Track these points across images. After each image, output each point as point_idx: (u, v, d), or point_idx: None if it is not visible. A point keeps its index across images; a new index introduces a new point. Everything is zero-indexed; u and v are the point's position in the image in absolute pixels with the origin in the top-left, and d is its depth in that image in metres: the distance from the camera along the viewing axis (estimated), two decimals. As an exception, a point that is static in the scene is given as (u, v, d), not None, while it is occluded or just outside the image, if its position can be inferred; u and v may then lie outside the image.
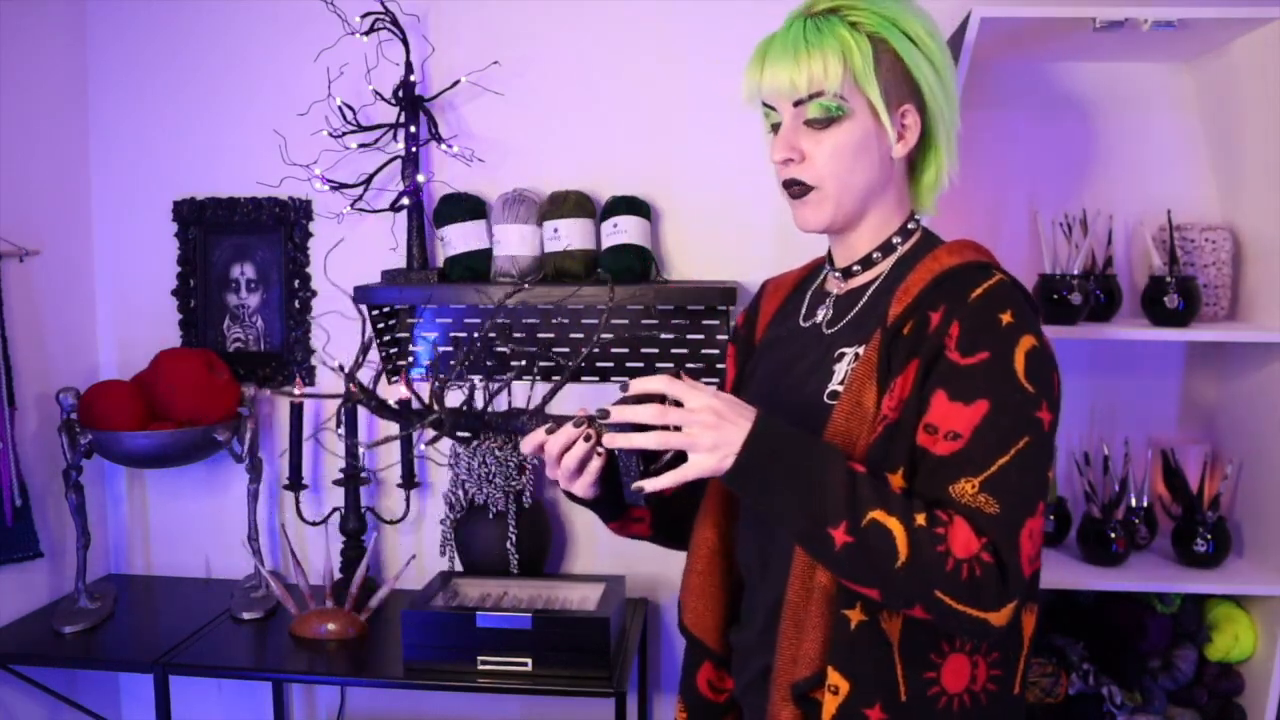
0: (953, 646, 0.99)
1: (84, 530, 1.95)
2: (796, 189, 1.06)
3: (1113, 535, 1.74)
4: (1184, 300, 1.69)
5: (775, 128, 1.07)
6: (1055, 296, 1.72)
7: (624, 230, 1.91)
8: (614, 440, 0.95)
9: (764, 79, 1.05)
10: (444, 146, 2.02)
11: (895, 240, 1.10)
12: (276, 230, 2.13)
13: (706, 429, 0.91)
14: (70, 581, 2.02)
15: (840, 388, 1.04)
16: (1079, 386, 1.96)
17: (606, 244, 1.93)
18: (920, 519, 0.91)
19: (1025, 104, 1.93)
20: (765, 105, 1.07)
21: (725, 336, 1.98)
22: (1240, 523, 1.81)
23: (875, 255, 1.11)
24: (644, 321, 2.01)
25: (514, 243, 1.94)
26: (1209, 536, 1.72)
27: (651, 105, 2.00)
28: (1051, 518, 1.85)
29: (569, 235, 1.91)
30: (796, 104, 1.03)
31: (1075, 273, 1.74)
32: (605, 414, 0.95)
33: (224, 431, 1.97)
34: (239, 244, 2.15)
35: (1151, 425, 1.95)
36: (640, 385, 0.95)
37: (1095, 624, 1.85)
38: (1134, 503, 1.84)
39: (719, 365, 1.99)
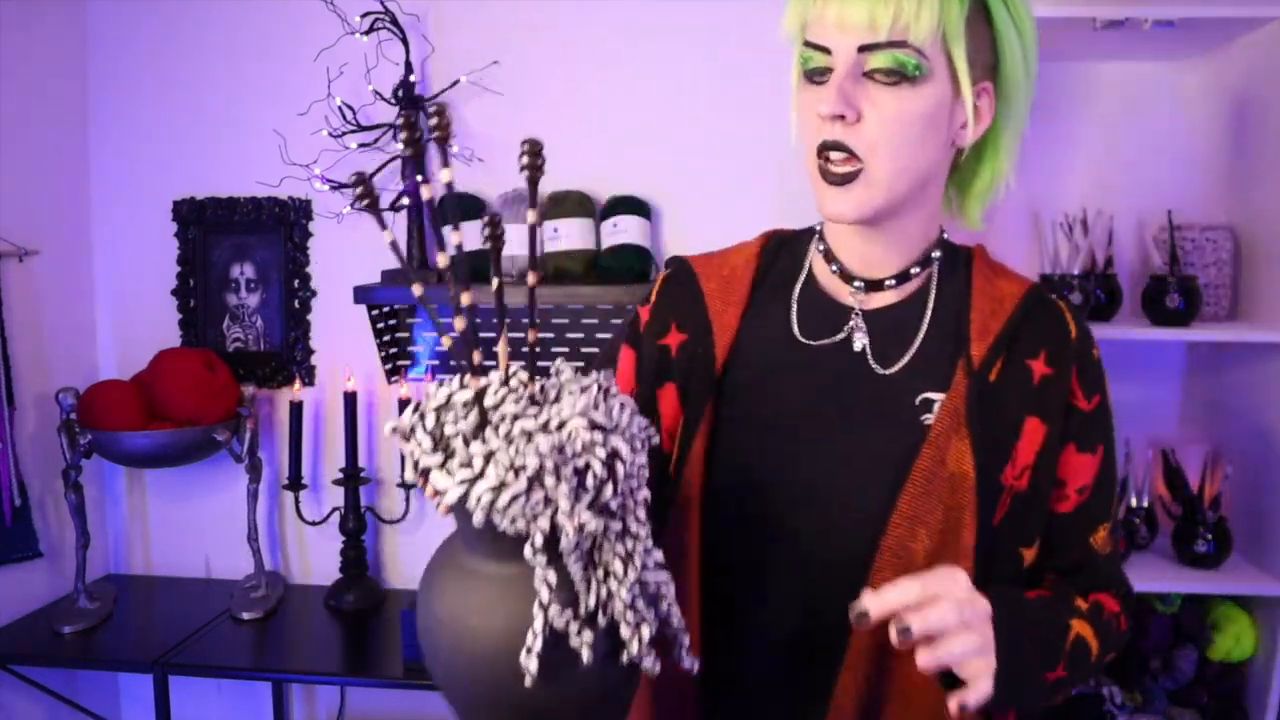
0: None
1: (83, 530, 1.94)
2: (839, 160, 0.82)
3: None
4: (1184, 300, 1.69)
5: (813, 75, 0.84)
6: (1055, 296, 1.72)
7: (624, 230, 1.91)
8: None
9: (830, 8, 0.80)
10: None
11: (935, 254, 0.92)
12: (276, 230, 2.13)
13: (963, 633, 0.75)
14: (70, 581, 2.02)
15: None
16: (1079, 386, 1.96)
17: (606, 244, 1.93)
18: (1084, 604, 0.89)
19: (1025, 104, 1.93)
20: (811, 45, 0.83)
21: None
22: (1240, 523, 1.81)
23: (914, 270, 0.91)
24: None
25: (514, 243, 1.93)
26: (1209, 536, 1.72)
27: (651, 105, 2.00)
28: (1052, 518, 1.85)
29: (569, 235, 1.91)
30: (864, 49, 0.80)
31: (1075, 273, 1.74)
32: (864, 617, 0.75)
33: (224, 431, 1.97)
34: (239, 244, 2.15)
35: (1151, 425, 1.95)
36: (885, 602, 0.75)
37: (1095, 624, 1.85)
38: (1134, 503, 1.84)
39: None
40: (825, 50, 0.82)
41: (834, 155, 0.82)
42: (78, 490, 1.92)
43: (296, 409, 2.03)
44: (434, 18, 2.03)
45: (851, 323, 0.91)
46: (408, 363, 2.10)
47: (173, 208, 2.16)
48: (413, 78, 1.98)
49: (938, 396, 0.86)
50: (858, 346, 0.90)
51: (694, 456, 0.90)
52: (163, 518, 2.23)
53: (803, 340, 0.91)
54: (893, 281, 0.91)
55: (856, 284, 0.92)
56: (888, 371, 0.89)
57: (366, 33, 1.98)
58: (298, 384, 2.08)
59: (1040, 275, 1.76)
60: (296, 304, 2.13)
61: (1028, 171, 1.94)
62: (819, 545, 0.87)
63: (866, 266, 0.91)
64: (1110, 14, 1.58)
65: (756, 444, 0.90)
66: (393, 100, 2.00)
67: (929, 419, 0.86)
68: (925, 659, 0.75)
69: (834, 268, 0.93)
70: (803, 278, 0.95)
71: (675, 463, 0.92)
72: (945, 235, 0.94)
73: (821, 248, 0.95)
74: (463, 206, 1.98)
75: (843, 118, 0.80)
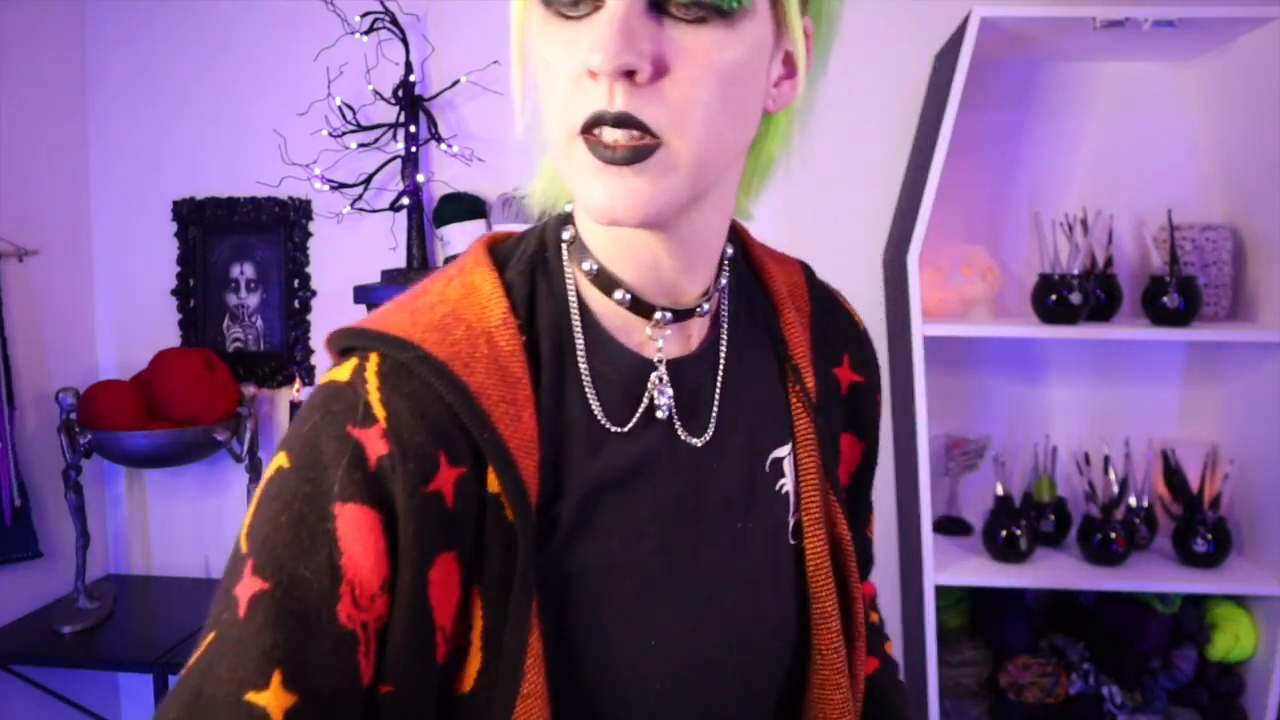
0: None
1: (83, 530, 1.94)
2: (627, 137, 0.52)
3: (1113, 535, 1.74)
4: (1184, 300, 1.69)
5: (561, 6, 0.53)
6: (1055, 296, 1.72)
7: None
8: None
9: None
10: (444, 146, 2.02)
11: (729, 250, 0.67)
12: (276, 230, 2.13)
13: None
14: (69, 581, 2.02)
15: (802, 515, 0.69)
16: (1079, 387, 1.96)
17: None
18: (876, 616, 0.85)
19: (1025, 104, 1.93)
20: None
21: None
22: (1240, 523, 1.81)
23: (723, 283, 0.67)
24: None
25: (514, 243, 1.93)
26: (1209, 536, 1.72)
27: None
28: (1051, 517, 1.85)
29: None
30: None
31: (1075, 273, 1.74)
32: None
33: (223, 431, 1.97)
34: (239, 244, 2.15)
35: (1151, 425, 1.95)
36: None
37: (1095, 624, 1.85)
38: (1134, 503, 1.84)
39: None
40: None
41: (611, 133, 0.52)
42: (78, 490, 1.92)
43: (296, 409, 2.03)
44: (434, 18, 2.03)
45: (651, 379, 0.63)
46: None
47: (173, 208, 2.16)
48: (413, 78, 1.98)
49: (784, 452, 0.67)
50: (661, 413, 0.63)
51: (530, 657, 0.56)
52: (163, 518, 2.23)
53: (610, 429, 0.61)
54: (706, 306, 0.64)
55: (660, 314, 0.62)
56: (712, 439, 0.64)
57: (366, 33, 1.98)
58: (298, 384, 2.07)
59: (1040, 275, 1.76)
60: (296, 304, 2.13)
61: (1028, 171, 1.94)
62: (735, 700, 0.65)
63: (663, 288, 0.62)
64: (1110, 14, 1.58)
65: (614, 610, 0.60)
66: (393, 100, 2.00)
67: (785, 485, 0.67)
68: None
69: (620, 295, 0.61)
70: (578, 324, 0.62)
71: (481, 674, 0.57)
72: (730, 244, 0.68)
73: (589, 267, 0.62)
74: (464, 206, 1.98)
75: (632, 75, 0.51)
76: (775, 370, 0.69)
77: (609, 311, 0.63)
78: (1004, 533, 1.76)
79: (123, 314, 2.20)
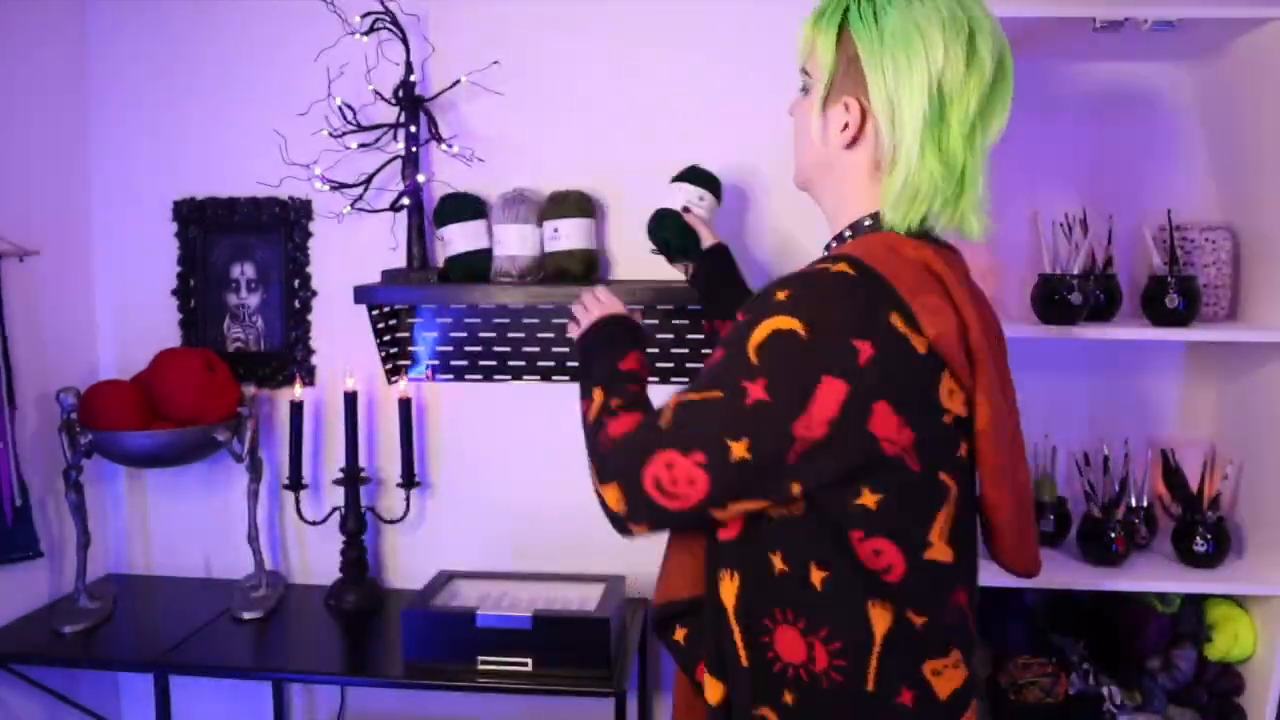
0: (775, 620, 1.04)
1: (84, 530, 1.95)
2: None
3: (1113, 535, 1.74)
4: (1184, 300, 1.69)
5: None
6: (1055, 296, 1.72)
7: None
8: None
9: None
10: (444, 146, 2.02)
11: (846, 234, 1.11)
12: (276, 230, 2.13)
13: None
14: (70, 581, 2.02)
15: None
16: (1079, 386, 1.97)
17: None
18: (616, 402, 1.10)
19: (1025, 104, 1.92)
20: None
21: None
22: (1240, 523, 1.81)
23: (832, 244, 1.13)
24: (644, 322, 2.01)
25: (514, 242, 1.94)
26: (1209, 536, 1.72)
27: (652, 104, 2.00)
28: (1051, 517, 1.85)
29: (569, 235, 1.91)
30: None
31: (1075, 273, 1.74)
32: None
33: (224, 431, 1.97)
34: (239, 244, 2.15)
35: (1151, 425, 1.95)
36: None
37: (1095, 624, 1.85)
38: (1134, 503, 1.84)
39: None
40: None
41: None
42: (78, 490, 1.92)
43: (297, 409, 2.03)
44: (434, 18, 2.03)
45: None
46: (408, 363, 2.10)
47: (173, 208, 2.16)
48: (413, 78, 1.98)
49: None
50: None
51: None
52: (163, 518, 2.23)
53: None
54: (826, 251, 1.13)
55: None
56: None
57: (366, 33, 1.98)
58: (298, 384, 2.08)
59: (1040, 275, 1.76)
60: (296, 304, 2.13)
61: (1028, 171, 1.94)
62: None
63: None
64: (1110, 14, 1.58)
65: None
66: (393, 100, 2.00)
67: None
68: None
69: None
70: None
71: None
72: (869, 222, 1.09)
73: None
74: (464, 206, 1.98)
75: None
76: None
77: None
78: (1004, 533, 1.75)
79: (123, 314, 2.20)
